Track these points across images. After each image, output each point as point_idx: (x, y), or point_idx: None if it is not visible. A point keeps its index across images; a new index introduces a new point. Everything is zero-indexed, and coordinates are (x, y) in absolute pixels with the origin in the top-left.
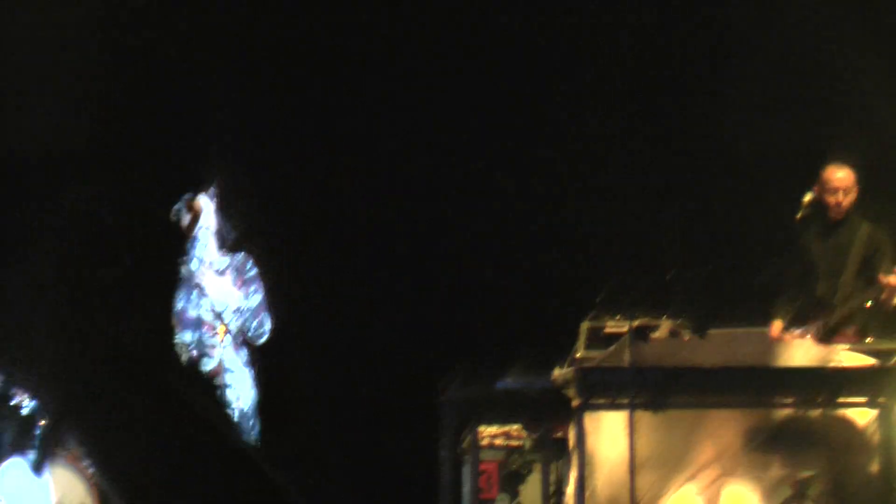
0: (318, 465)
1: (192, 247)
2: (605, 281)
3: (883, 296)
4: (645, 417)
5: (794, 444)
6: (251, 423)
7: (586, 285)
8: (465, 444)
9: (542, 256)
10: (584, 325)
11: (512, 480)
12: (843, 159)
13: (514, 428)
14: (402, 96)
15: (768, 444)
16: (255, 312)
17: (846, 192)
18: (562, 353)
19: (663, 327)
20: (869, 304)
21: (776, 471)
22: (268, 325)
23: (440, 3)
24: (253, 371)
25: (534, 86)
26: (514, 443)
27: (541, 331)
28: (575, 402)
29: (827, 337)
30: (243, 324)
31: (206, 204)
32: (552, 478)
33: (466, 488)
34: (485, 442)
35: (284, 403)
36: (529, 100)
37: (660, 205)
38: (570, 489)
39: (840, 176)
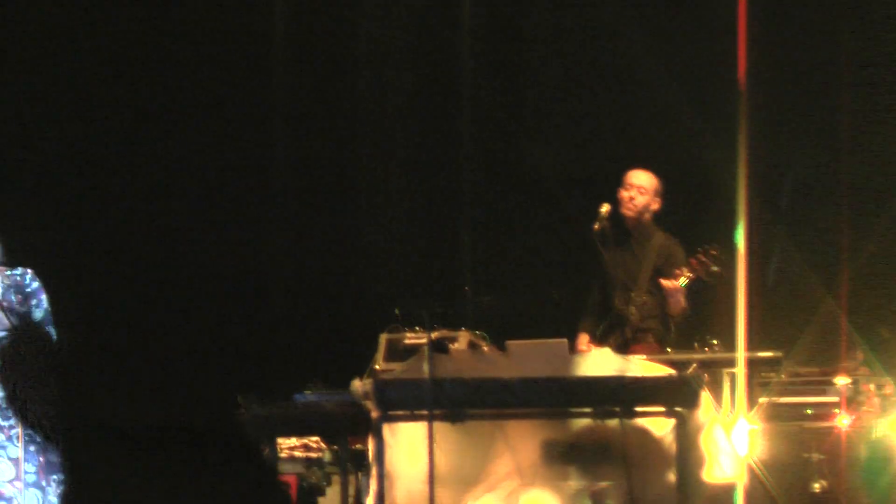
0: (116, 487)
1: None
2: (404, 293)
3: (667, 305)
4: (444, 429)
5: (592, 455)
6: None
7: (385, 297)
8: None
9: (339, 269)
10: (383, 337)
11: (311, 493)
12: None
13: (314, 440)
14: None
15: (567, 454)
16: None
17: (641, 191)
18: (360, 365)
19: (462, 339)
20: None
21: (575, 481)
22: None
23: None
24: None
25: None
26: (314, 455)
27: (339, 343)
28: (374, 415)
29: (624, 348)
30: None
31: None
32: (351, 490)
33: None
34: (284, 454)
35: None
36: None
37: (457, 218)
38: (370, 501)
39: (641, 176)
